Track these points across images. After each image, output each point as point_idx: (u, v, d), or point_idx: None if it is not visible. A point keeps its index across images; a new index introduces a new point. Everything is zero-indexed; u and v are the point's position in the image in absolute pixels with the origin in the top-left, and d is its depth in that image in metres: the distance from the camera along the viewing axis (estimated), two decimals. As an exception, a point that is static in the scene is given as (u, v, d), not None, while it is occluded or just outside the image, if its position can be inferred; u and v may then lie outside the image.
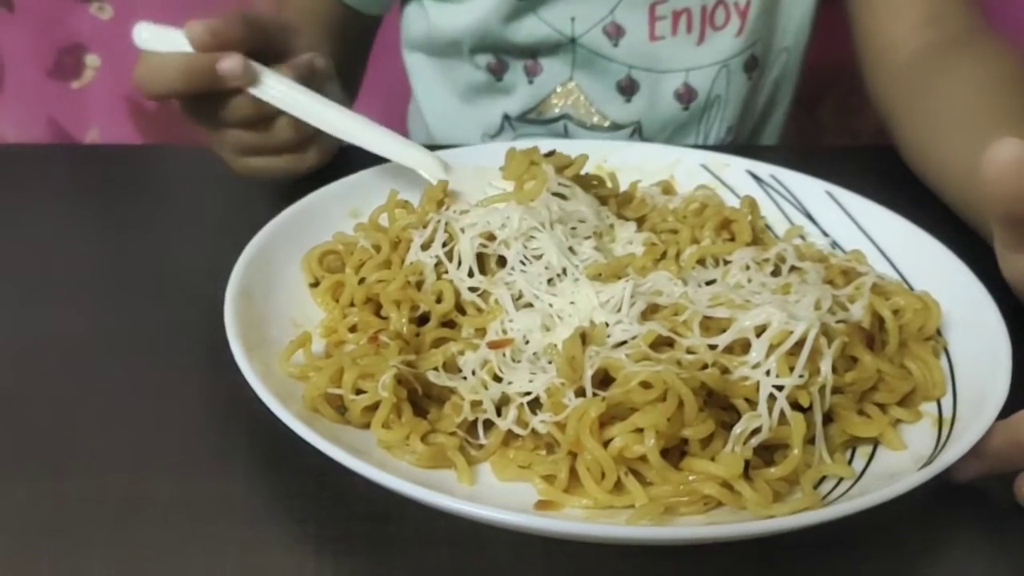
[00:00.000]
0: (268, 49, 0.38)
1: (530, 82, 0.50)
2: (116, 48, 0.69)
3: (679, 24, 0.48)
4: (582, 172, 0.36)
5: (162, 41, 0.37)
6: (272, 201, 0.36)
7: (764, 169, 0.39)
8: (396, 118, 0.59)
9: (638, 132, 0.51)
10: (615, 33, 0.48)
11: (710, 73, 0.49)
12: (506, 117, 0.52)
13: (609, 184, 0.38)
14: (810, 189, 0.38)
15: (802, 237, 0.36)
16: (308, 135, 0.39)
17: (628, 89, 0.50)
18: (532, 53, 0.49)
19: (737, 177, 0.39)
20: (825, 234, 0.36)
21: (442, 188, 0.36)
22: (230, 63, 0.36)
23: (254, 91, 0.37)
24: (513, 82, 0.50)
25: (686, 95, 0.50)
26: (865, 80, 0.48)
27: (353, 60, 0.52)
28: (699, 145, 0.49)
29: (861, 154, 0.49)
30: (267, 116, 0.38)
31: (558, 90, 0.50)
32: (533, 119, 0.51)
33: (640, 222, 0.35)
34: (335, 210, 0.36)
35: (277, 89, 0.37)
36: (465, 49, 0.50)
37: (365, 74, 0.54)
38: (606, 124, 0.51)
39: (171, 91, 0.37)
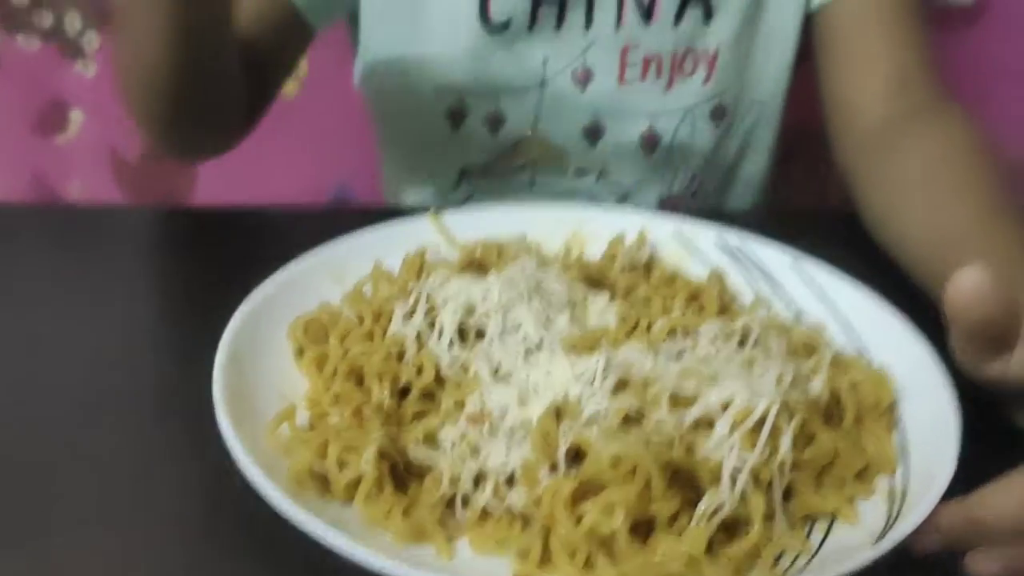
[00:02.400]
0: None
1: (492, 133, 0.51)
2: (100, 104, 0.71)
3: (648, 70, 0.50)
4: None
5: None
6: (260, 266, 0.37)
7: (732, 238, 0.41)
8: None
9: (603, 176, 0.53)
10: (584, 78, 0.50)
11: (675, 119, 0.51)
12: (463, 172, 0.53)
13: (579, 253, 0.40)
14: (776, 259, 0.40)
15: (768, 307, 0.38)
16: None
17: (593, 134, 0.52)
18: (497, 97, 0.50)
19: (707, 244, 0.42)
20: (790, 304, 0.39)
21: (420, 256, 0.38)
22: None
23: None
24: (472, 132, 0.51)
25: (651, 140, 0.52)
26: (832, 144, 0.51)
27: (274, 65, 0.51)
28: (663, 201, 0.51)
29: (830, 218, 0.51)
30: None
31: (524, 139, 0.51)
32: (496, 173, 0.53)
33: (612, 292, 0.37)
34: (322, 277, 0.38)
35: None
36: (419, 91, 0.50)
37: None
38: (571, 170, 0.52)
39: None
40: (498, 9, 0.48)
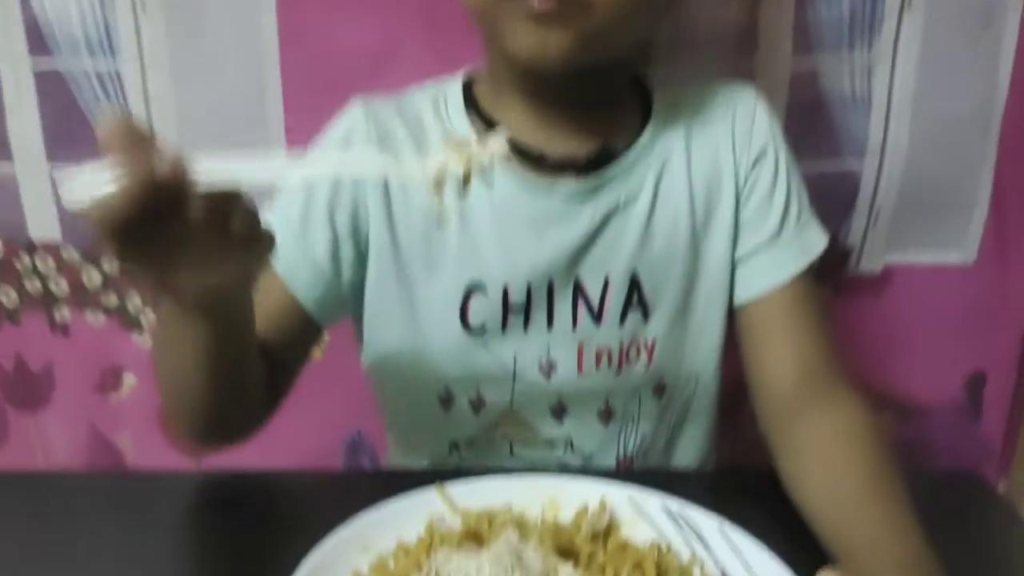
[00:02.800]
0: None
1: (475, 413, 0.63)
2: (152, 370, 0.84)
3: (601, 360, 0.61)
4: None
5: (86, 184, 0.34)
6: (293, 532, 0.46)
7: (673, 504, 0.53)
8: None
9: (570, 447, 0.64)
10: (548, 369, 0.61)
11: (625, 396, 0.63)
12: (453, 444, 0.64)
13: (554, 517, 0.51)
14: (707, 524, 0.51)
15: (701, 567, 0.49)
16: (255, 227, 0.39)
17: (559, 413, 0.63)
18: (477, 385, 0.62)
19: (653, 508, 0.53)
20: (719, 565, 0.49)
21: (430, 534, 0.49)
22: (164, 159, 0.34)
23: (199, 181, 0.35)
24: (459, 413, 0.62)
25: (607, 414, 0.63)
26: (755, 410, 0.62)
27: (291, 360, 0.59)
28: (619, 461, 0.62)
29: (763, 476, 0.59)
30: (220, 205, 0.37)
31: (502, 418, 0.63)
32: (481, 444, 0.64)
33: (576, 561, 0.48)
34: (352, 547, 0.48)
35: (216, 167, 0.36)
36: (414, 380, 0.61)
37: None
38: (542, 441, 0.64)
39: (118, 220, 0.34)
40: (475, 316, 0.59)
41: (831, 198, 0.79)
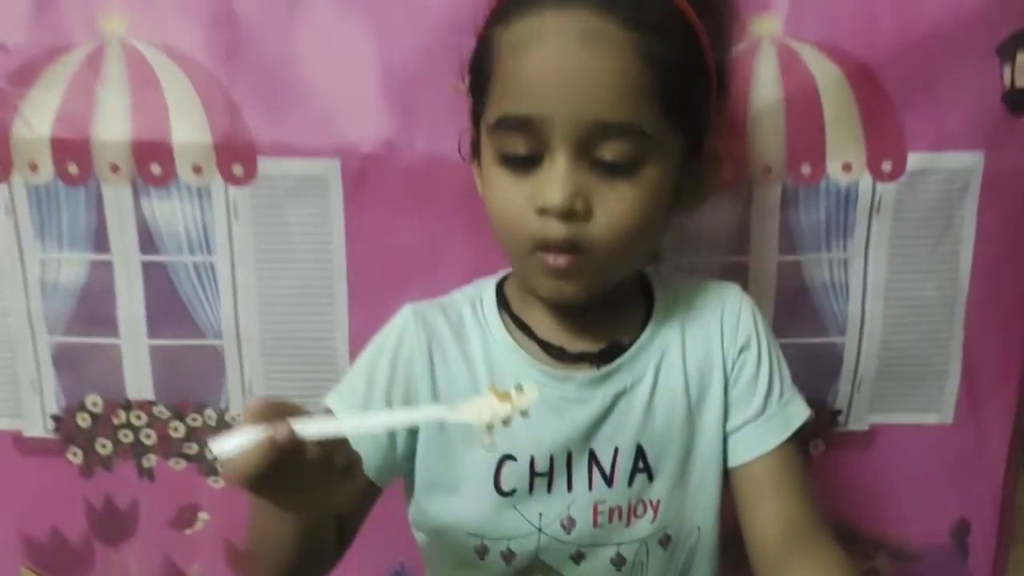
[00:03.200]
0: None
1: (507, 563, 0.72)
2: (223, 508, 0.94)
3: (613, 516, 0.72)
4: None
5: (234, 443, 0.48)
6: None
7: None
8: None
9: None
10: (568, 525, 0.71)
11: (634, 547, 0.73)
12: None
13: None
14: None
15: None
16: (353, 458, 0.54)
17: (578, 559, 0.73)
18: (508, 538, 0.72)
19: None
20: None
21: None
22: (279, 430, 0.48)
23: (305, 436, 0.48)
24: (493, 562, 0.72)
25: (618, 561, 0.73)
26: (749, 559, 0.72)
27: (356, 517, 0.71)
28: None
29: None
30: (327, 449, 0.50)
31: (529, 565, 0.72)
32: None
33: None
34: None
35: (318, 427, 0.49)
36: (454, 533, 0.72)
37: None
38: None
39: (252, 472, 0.48)
40: (507, 482, 0.71)
41: (819, 367, 0.91)
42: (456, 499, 0.73)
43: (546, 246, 0.64)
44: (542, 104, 0.61)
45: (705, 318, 0.75)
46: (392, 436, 0.72)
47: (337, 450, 0.52)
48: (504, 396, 0.52)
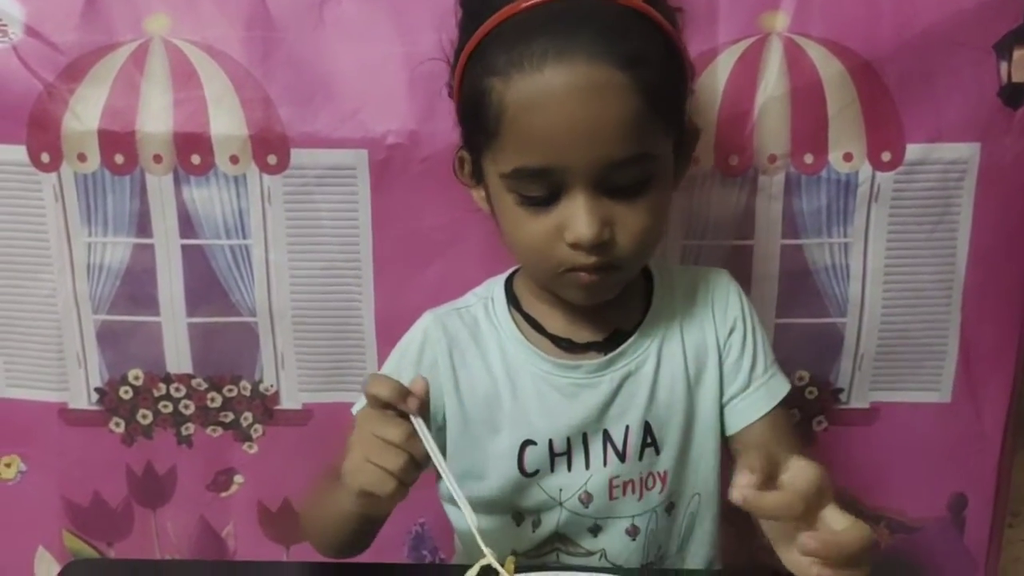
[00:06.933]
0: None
1: (534, 530, 0.83)
2: (256, 472, 1.05)
3: (627, 489, 0.82)
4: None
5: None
6: None
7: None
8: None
9: (604, 556, 0.83)
10: (587, 499, 0.81)
11: (646, 517, 0.83)
12: (514, 553, 0.82)
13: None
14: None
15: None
16: (413, 478, 0.65)
17: (595, 530, 0.83)
18: (536, 512, 0.83)
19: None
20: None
21: None
22: (418, 387, 0.66)
23: (415, 423, 0.65)
24: (523, 530, 0.83)
25: (632, 532, 0.83)
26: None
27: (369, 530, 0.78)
28: (643, 565, 0.82)
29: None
30: (413, 449, 0.64)
31: (552, 535, 0.83)
32: (538, 554, 0.85)
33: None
34: None
35: (425, 432, 0.65)
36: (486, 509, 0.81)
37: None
38: (582, 551, 0.84)
39: (382, 394, 0.64)
40: (530, 463, 0.81)
41: (821, 347, 1.01)
42: (485, 482, 0.83)
43: (577, 269, 0.72)
44: (558, 156, 0.67)
45: (699, 303, 0.85)
46: None
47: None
48: None
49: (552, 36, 0.65)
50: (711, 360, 0.84)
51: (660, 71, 0.68)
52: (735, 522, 0.86)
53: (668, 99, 0.70)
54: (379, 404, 0.65)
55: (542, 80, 0.65)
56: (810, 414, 1.04)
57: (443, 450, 0.83)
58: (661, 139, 0.71)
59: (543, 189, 0.69)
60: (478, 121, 0.70)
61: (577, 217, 0.69)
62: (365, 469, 0.65)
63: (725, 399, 0.84)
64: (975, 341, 1.00)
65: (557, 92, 0.65)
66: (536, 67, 0.65)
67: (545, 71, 0.65)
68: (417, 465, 0.65)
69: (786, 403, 0.85)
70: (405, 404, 0.64)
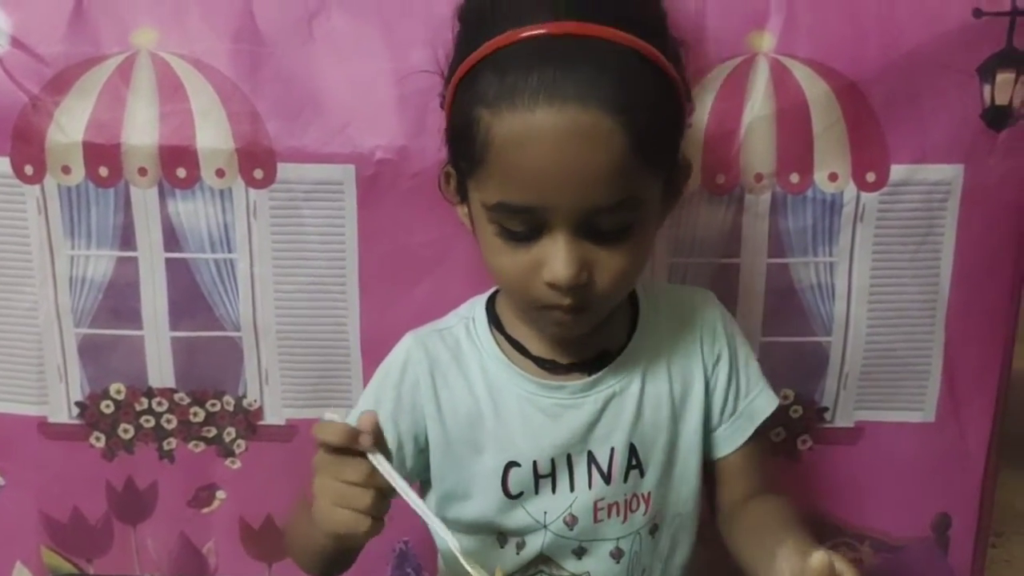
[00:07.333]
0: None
1: (518, 552, 0.83)
2: (239, 488, 1.05)
3: (612, 512, 0.83)
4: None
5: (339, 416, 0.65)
6: None
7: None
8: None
9: None
10: (571, 522, 0.82)
11: (630, 539, 0.83)
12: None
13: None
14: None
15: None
16: (385, 510, 0.65)
17: (580, 553, 0.83)
18: (519, 533, 0.83)
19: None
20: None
21: None
22: (365, 423, 0.64)
23: (372, 460, 0.63)
24: (506, 552, 0.83)
25: (616, 554, 0.83)
26: (718, 525, 0.85)
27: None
28: None
29: None
30: (378, 484, 0.64)
31: (536, 557, 0.83)
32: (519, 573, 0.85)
33: None
34: None
35: (385, 466, 0.64)
36: (471, 530, 0.83)
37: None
38: (566, 573, 0.83)
39: (333, 440, 0.63)
40: (514, 485, 0.81)
41: (806, 365, 1.01)
42: (469, 504, 0.83)
43: (552, 307, 0.71)
44: (542, 197, 0.66)
45: (685, 328, 0.86)
46: (400, 457, 0.81)
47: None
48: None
49: (546, 75, 0.63)
50: (696, 388, 0.85)
51: (654, 116, 0.67)
52: (709, 545, 0.87)
53: (660, 143, 0.69)
54: (332, 450, 0.65)
55: (532, 120, 0.64)
56: (795, 432, 1.05)
57: (426, 471, 0.84)
58: (650, 181, 0.70)
59: (524, 225, 0.69)
60: (465, 147, 0.69)
61: (556, 258, 0.68)
62: (335, 513, 0.65)
63: (711, 425, 0.85)
64: (959, 361, 1.01)
65: (546, 134, 0.64)
66: (527, 106, 0.64)
67: (536, 112, 0.64)
68: (384, 496, 0.65)
69: (771, 420, 0.86)
70: (358, 444, 0.64)
